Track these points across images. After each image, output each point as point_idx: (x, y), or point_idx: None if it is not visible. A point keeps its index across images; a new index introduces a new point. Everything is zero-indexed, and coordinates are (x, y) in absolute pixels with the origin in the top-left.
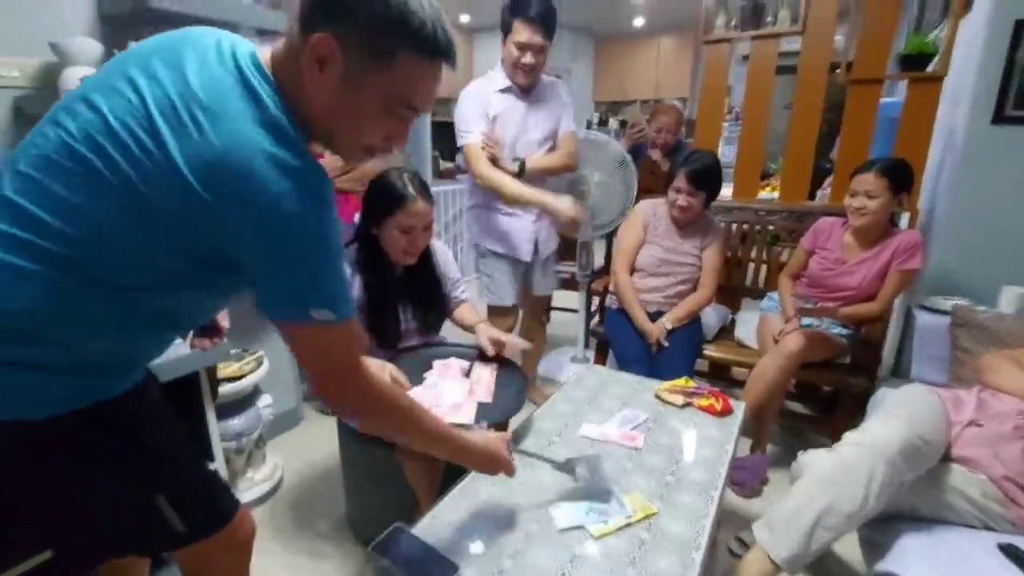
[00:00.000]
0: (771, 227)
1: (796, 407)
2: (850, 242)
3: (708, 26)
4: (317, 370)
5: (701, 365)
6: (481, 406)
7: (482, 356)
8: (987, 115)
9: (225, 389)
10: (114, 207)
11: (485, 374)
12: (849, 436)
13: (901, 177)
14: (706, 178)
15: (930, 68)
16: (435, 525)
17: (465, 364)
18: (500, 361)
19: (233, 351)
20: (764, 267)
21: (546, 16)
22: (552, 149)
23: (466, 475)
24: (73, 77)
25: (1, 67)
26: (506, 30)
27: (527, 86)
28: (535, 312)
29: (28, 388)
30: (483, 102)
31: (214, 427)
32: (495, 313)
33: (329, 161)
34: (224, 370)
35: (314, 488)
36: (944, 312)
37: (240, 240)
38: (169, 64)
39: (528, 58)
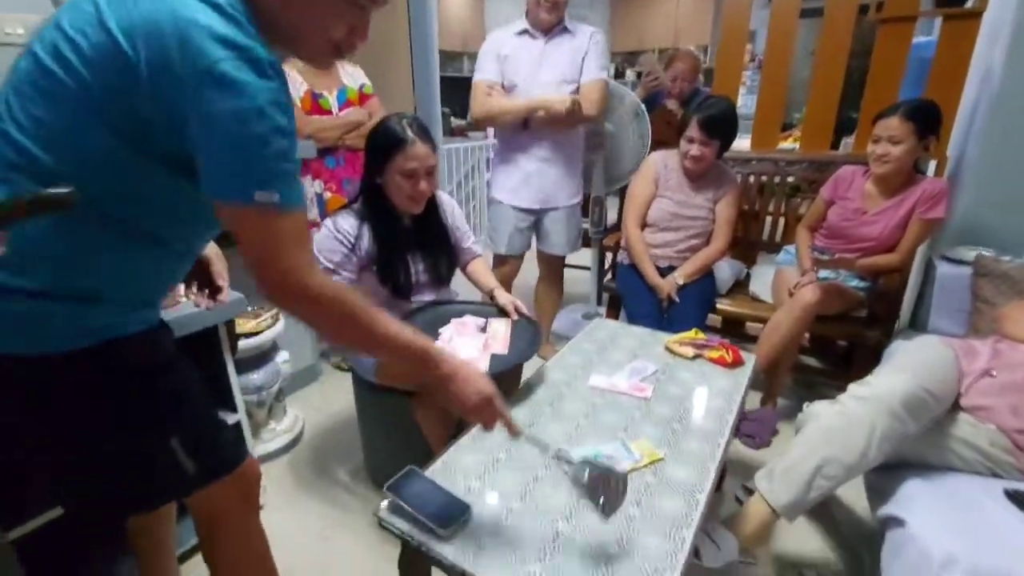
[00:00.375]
0: (790, 178)
1: (810, 361)
2: (871, 191)
3: None
4: (256, 256)
5: (714, 321)
6: (495, 357)
7: (499, 312)
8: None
9: (243, 344)
10: (76, 111)
11: (501, 328)
12: (853, 388)
13: (929, 120)
14: (720, 125)
15: (969, 3)
16: (447, 469)
17: (481, 321)
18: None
19: (249, 308)
20: (782, 220)
21: None
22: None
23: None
24: None
25: (7, 24)
26: None
27: (548, 24)
28: (548, 269)
29: (33, 318)
30: (497, 44)
31: (235, 380)
32: (495, 263)
33: (341, 119)
34: (242, 326)
35: (333, 439)
36: (966, 263)
37: (179, 112)
38: None
39: None
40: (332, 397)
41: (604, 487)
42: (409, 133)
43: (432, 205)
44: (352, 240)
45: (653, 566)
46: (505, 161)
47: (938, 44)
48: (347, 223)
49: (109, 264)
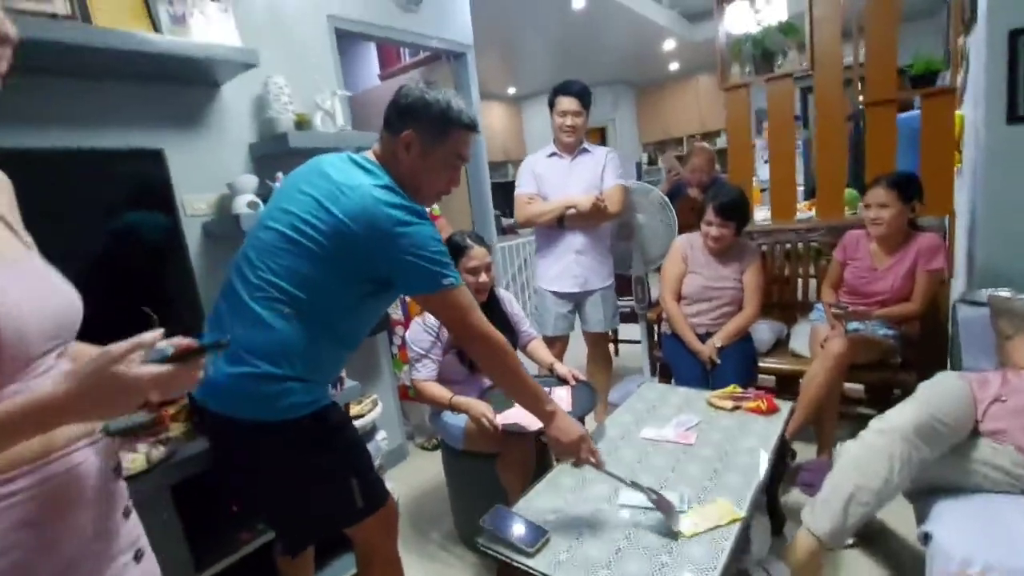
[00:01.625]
0: (813, 243)
1: (868, 411)
2: (876, 250)
3: (725, 75)
4: (457, 318)
5: (767, 381)
6: None
7: (559, 381)
8: (1001, 117)
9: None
10: (315, 260)
11: (563, 393)
12: (873, 422)
13: (908, 187)
14: (733, 209)
15: (940, 82)
16: (527, 508)
17: (546, 390)
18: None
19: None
20: (812, 281)
21: (582, 92)
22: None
23: (548, 471)
24: (242, 202)
25: (197, 203)
26: (552, 104)
27: (570, 147)
28: (594, 346)
29: (280, 395)
30: (532, 164)
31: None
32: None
33: None
34: (352, 409)
35: (425, 508)
36: (983, 304)
37: (385, 254)
38: (318, 176)
39: (569, 120)
40: (419, 473)
41: (666, 505)
42: (468, 241)
43: (493, 297)
44: (436, 331)
45: (698, 565)
46: (545, 255)
47: (921, 118)
48: (432, 318)
49: (324, 357)
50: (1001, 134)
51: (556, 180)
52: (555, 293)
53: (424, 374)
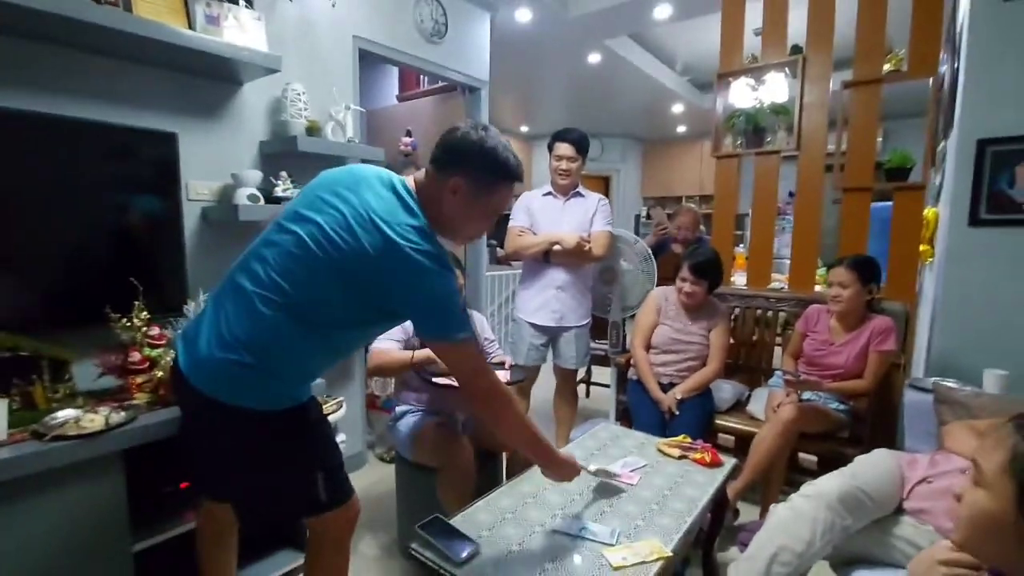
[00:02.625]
0: (782, 312)
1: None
2: (835, 326)
3: (718, 144)
4: (469, 372)
5: (727, 440)
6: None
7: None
8: (964, 219)
9: None
10: (328, 276)
11: (503, 374)
12: (803, 487)
13: (867, 271)
14: (706, 270)
15: (912, 178)
16: (464, 522)
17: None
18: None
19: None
20: (778, 348)
21: (579, 140)
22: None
23: (490, 492)
24: (243, 194)
25: (200, 188)
26: (551, 148)
27: (564, 189)
28: (563, 381)
29: (261, 386)
30: (528, 200)
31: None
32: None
33: None
34: None
35: (372, 516)
36: (928, 390)
37: (405, 296)
38: (353, 191)
39: (564, 164)
40: (373, 482)
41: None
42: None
43: None
44: (406, 327)
45: None
46: (528, 287)
47: (894, 208)
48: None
49: (316, 361)
50: (963, 234)
51: (548, 218)
52: (532, 324)
53: (382, 344)
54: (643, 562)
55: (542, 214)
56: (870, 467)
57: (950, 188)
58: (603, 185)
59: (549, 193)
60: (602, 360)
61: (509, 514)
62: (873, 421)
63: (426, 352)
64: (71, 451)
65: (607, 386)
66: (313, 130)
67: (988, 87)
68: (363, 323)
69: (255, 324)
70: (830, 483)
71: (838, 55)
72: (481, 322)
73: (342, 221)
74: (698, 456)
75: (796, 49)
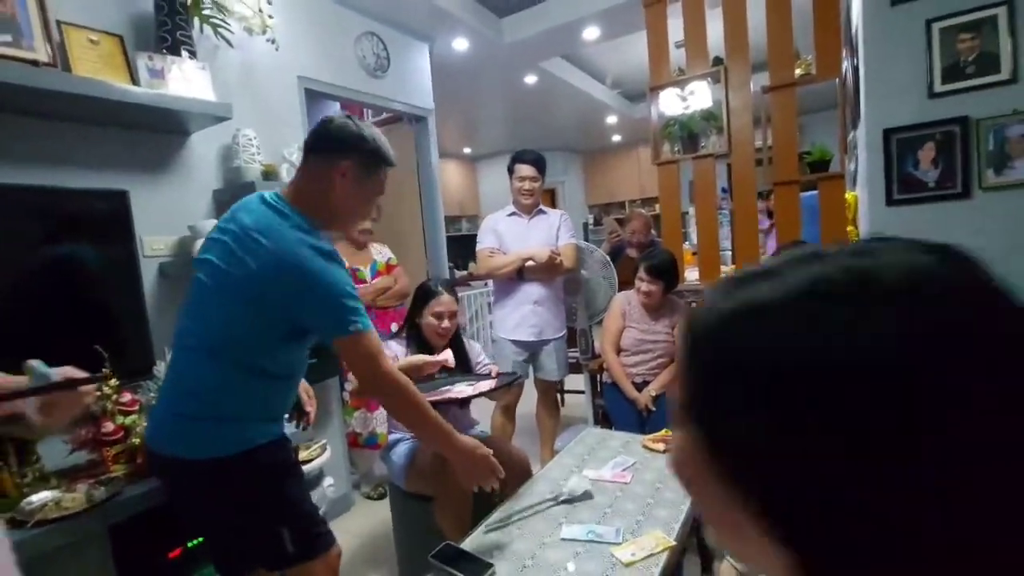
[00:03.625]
0: None
1: None
2: None
3: (657, 151)
4: (362, 362)
5: None
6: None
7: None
8: (881, 199)
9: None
10: (232, 307)
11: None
12: None
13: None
14: (662, 270)
15: (832, 169)
16: (473, 545)
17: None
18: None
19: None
20: None
21: (538, 160)
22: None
23: (490, 514)
24: (200, 246)
25: (156, 243)
26: (511, 171)
27: (528, 208)
28: (544, 394)
29: (224, 434)
30: (494, 223)
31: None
32: None
33: (373, 286)
34: (301, 453)
35: (369, 554)
36: None
37: (299, 301)
38: (232, 219)
39: (527, 184)
40: (364, 522)
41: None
42: (439, 288)
43: (457, 340)
44: (397, 356)
45: None
46: (503, 305)
47: (819, 197)
48: (395, 344)
49: (258, 394)
50: (881, 214)
51: (515, 237)
52: (513, 341)
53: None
54: (651, 555)
55: (509, 234)
56: None
57: (865, 173)
58: (549, 198)
59: (514, 213)
60: (573, 367)
61: (516, 530)
62: None
63: (408, 360)
64: (56, 534)
65: (581, 392)
66: (269, 173)
67: (886, 82)
68: (283, 344)
69: (188, 373)
70: None
71: (756, 59)
72: (472, 347)
73: (227, 249)
74: None
75: (718, 60)
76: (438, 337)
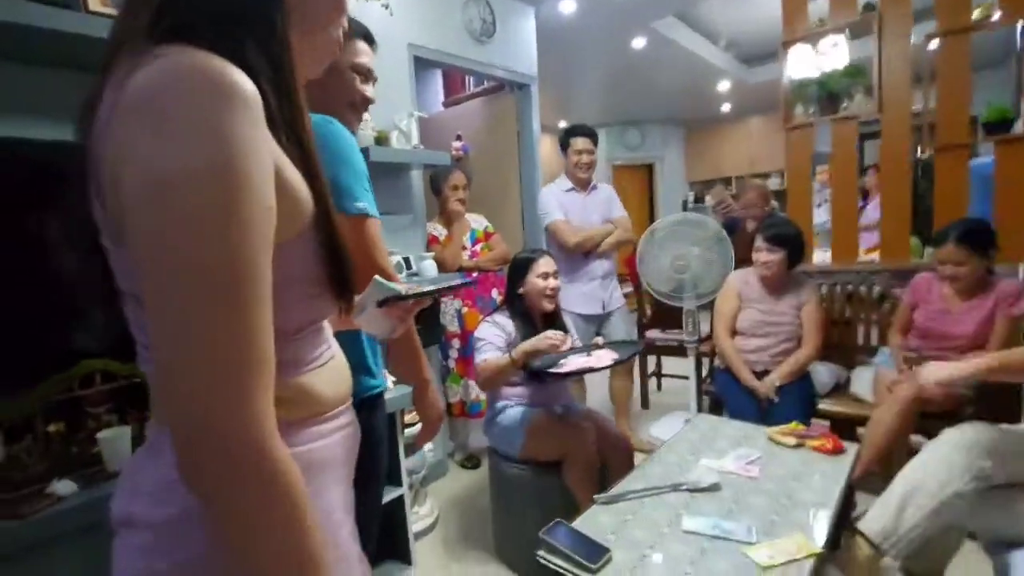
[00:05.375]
0: (876, 286)
1: None
2: (950, 293)
3: (788, 114)
4: (366, 250)
5: (820, 426)
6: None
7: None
8: None
9: (406, 432)
10: None
11: (601, 353)
12: (943, 432)
13: (981, 239)
14: (784, 238)
15: (1017, 128)
16: (586, 525)
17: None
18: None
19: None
20: (875, 326)
21: (593, 133)
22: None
23: (609, 494)
24: None
25: None
26: (566, 146)
27: (585, 183)
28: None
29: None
30: (558, 196)
31: (403, 459)
32: None
33: (487, 256)
34: (406, 416)
35: (463, 526)
36: None
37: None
38: None
39: (585, 158)
40: (458, 490)
41: None
42: (537, 252)
43: (557, 311)
44: (507, 330)
45: None
46: (572, 280)
47: (995, 164)
48: (502, 319)
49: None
50: None
51: (577, 211)
52: (581, 315)
53: (487, 355)
54: (793, 560)
55: (571, 208)
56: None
57: None
58: (646, 173)
59: (572, 188)
60: (676, 351)
61: (630, 515)
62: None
63: (525, 346)
64: None
65: (684, 377)
66: (382, 140)
67: None
68: None
69: None
70: (974, 428)
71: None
72: (568, 320)
73: None
74: (817, 443)
75: (868, 7)
76: (546, 299)
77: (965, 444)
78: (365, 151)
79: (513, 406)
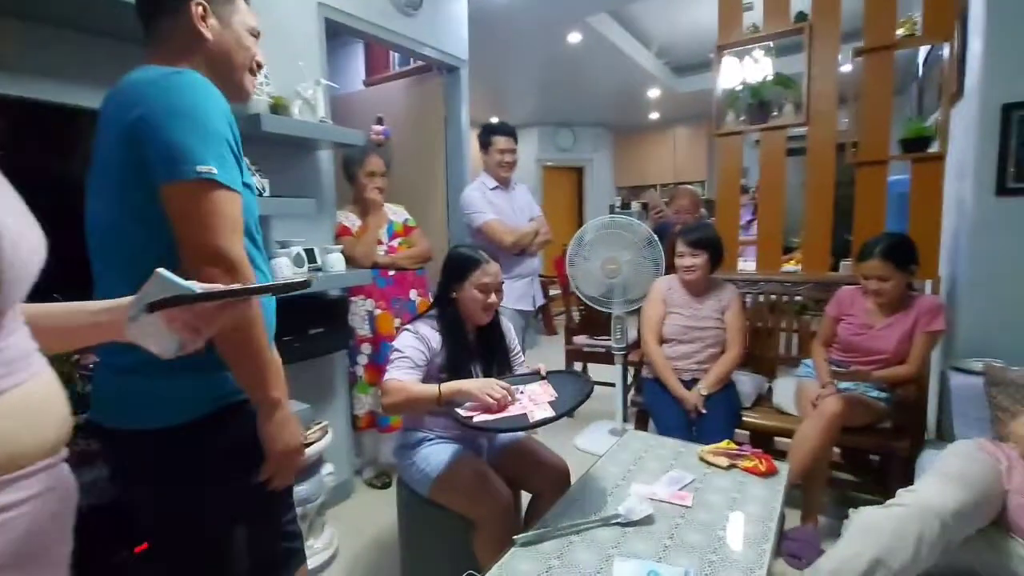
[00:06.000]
0: (798, 297)
1: (845, 476)
2: (873, 308)
3: (719, 121)
4: (207, 226)
5: (742, 436)
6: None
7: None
8: (991, 188)
9: None
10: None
11: (536, 388)
12: (902, 494)
13: (903, 255)
14: (703, 241)
15: (932, 148)
16: (504, 572)
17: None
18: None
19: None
20: (795, 336)
21: (512, 131)
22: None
23: (530, 534)
24: None
25: None
26: (487, 144)
27: (507, 181)
28: None
29: (159, 392)
30: (487, 195)
31: (294, 488)
32: None
33: (401, 254)
34: None
35: (369, 559)
36: (977, 373)
37: (142, 117)
38: None
39: (507, 157)
40: (367, 514)
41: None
42: (483, 255)
43: (496, 318)
44: (430, 345)
45: None
46: (508, 279)
47: (911, 182)
48: (426, 329)
49: None
50: (990, 205)
51: (504, 209)
52: (517, 311)
53: (401, 374)
54: None
55: (502, 207)
56: (976, 471)
57: (970, 158)
58: (576, 176)
59: (497, 187)
60: (603, 357)
61: (555, 560)
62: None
63: (460, 386)
64: None
65: (610, 384)
66: (278, 107)
67: (1011, 52)
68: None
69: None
70: (943, 494)
71: (843, 26)
72: (509, 328)
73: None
74: (750, 464)
75: (801, 16)
76: (483, 314)
77: (940, 517)
78: (256, 118)
79: (433, 441)
